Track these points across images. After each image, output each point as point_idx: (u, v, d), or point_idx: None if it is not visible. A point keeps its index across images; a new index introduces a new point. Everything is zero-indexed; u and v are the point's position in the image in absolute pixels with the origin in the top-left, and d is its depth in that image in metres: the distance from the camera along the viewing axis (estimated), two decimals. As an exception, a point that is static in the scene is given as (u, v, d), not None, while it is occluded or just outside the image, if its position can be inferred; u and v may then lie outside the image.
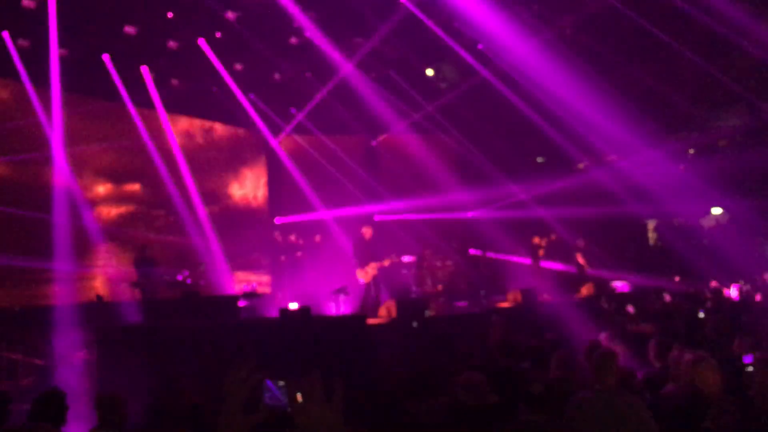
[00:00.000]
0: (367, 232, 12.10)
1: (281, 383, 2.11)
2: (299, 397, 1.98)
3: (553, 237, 14.55)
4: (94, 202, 14.25)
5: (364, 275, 11.79)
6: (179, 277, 12.60)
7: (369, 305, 11.46)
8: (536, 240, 14.51)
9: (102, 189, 14.40)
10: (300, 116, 16.89)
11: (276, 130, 17.25)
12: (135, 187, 14.85)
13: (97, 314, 11.13)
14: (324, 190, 16.97)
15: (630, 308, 9.78)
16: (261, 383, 2.14)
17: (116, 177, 14.56)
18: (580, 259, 15.20)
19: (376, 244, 12.26)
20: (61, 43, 12.75)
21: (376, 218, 16.91)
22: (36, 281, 12.95)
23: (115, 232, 14.40)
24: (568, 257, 15.49)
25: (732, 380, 4.66)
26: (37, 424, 4.69)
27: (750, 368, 4.65)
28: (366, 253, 11.88)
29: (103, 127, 14.29)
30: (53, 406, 5.10)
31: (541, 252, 14.46)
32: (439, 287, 14.67)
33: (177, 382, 6.61)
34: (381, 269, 12.07)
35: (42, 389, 6.89)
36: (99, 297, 12.32)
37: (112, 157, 14.45)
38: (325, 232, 15.96)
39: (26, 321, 11.02)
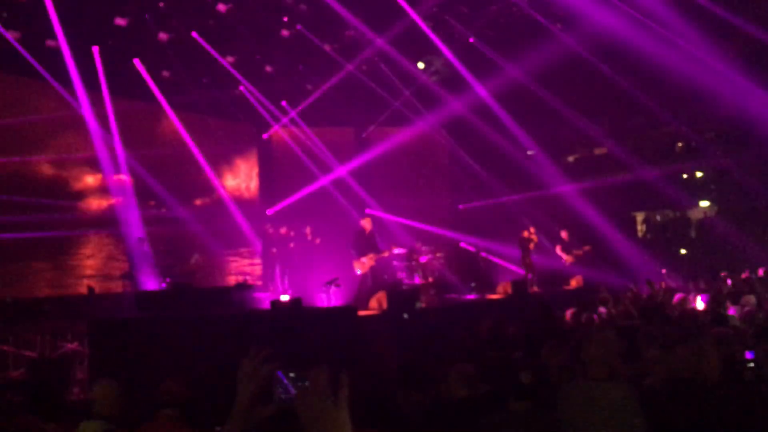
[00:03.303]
0: (367, 224, 12.11)
1: (292, 375, 2.12)
2: (305, 393, 1.98)
3: (533, 229, 14.60)
4: (84, 193, 14.21)
5: (361, 266, 11.82)
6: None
7: (364, 296, 11.49)
8: (526, 233, 14.58)
9: (91, 180, 14.36)
10: (293, 112, 16.89)
11: (267, 123, 17.24)
12: (126, 177, 14.80)
13: (89, 306, 11.15)
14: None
15: None
16: (273, 374, 2.15)
17: (105, 168, 14.50)
18: (561, 252, 15.29)
19: (374, 236, 12.28)
20: (49, 35, 12.69)
21: (367, 211, 16.94)
22: (28, 272, 12.94)
23: (107, 223, 14.37)
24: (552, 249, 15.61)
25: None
26: (20, 417, 4.68)
27: (751, 364, 4.74)
28: (364, 244, 11.89)
29: (95, 119, 14.23)
30: (44, 399, 5.11)
31: (531, 245, 14.53)
32: (430, 279, 14.73)
33: (169, 373, 6.62)
34: (379, 261, 12.12)
35: (33, 382, 6.91)
36: (91, 289, 12.31)
37: (100, 147, 14.39)
38: (316, 224, 15.96)
39: (17, 312, 11.00)
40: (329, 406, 1.92)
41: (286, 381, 2.08)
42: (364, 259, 11.80)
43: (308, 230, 14.64)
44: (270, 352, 2.11)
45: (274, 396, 2.09)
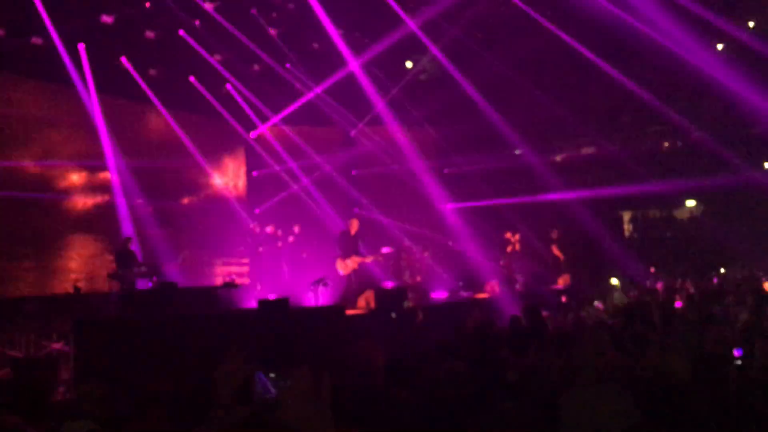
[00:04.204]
0: (353, 225, 12.10)
1: (272, 375, 2.13)
2: (289, 394, 1.97)
3: (517, 236, 14.65)
4: (67, 192, 14.09)
5: (344, 267, 11.80)
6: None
7: (350, 296, 11.50)
8: (508, 235, 14.65)
9: (76, 178, 14.25)
10: (281, 111, 16.87)
11: (255, 121, 17.20)
12: (110, 176, 14.69)
13: (74, 306, 11.06)
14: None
15: None
16: (252, 375, 2.14)
17: (90, 166, 14.41)
18: (556, 251, 15.38)
19: (360, 238, 12.27)
20: (36, 32, 12.60)
21: (355, 211, 16.96)
22: (12, 271, 12.83)
23: (90, 222, 14.28)
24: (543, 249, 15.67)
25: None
26: (4, 417, 4.63)
27: (739, 362, 4.75)
28: (350, 245, 11.88)
29: (79, 117, 14.12)
30: (28, 400, 5.06)
31: (509, 248, 14.58)
32: (418, 278, 14.75)
33: (155, 373, 6.59)
34: (362, 264, 12.11)
35: (18, 382, 6.85)
36: (77, 288, 12.22)
37: (86, 146, 14.29)
38: (304, 223, 15.96)
39: (1, 312, 10.90)
40: (312, 405, 1.92)
41: (266, 381, 2.08)
42: (347, 261, 11.78)
43: (296, 229, 14.61)
44: (248, 353, 2.10)
45: (253, 396, 2.08)
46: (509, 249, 14.49)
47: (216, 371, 2.13)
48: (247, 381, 2.12)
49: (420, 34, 14.91)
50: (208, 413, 2.11)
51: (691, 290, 11.86)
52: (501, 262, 14.58)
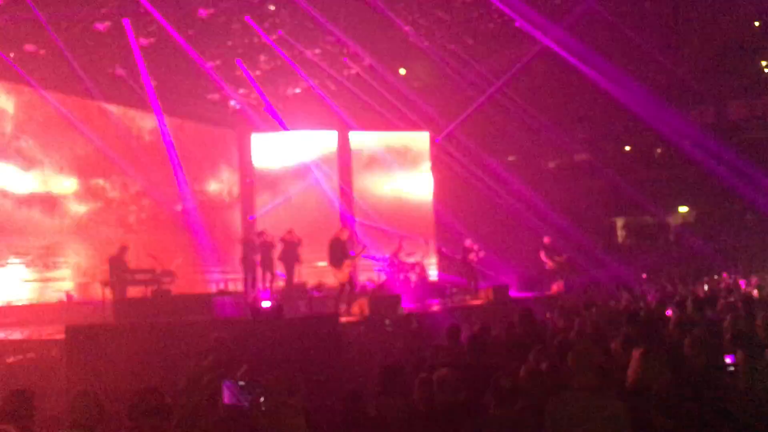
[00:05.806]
0: (343, 233, 12.14)
1: (241, 383, 2.14)
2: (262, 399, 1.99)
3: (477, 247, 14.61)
4: (62, 198, 14.05)
5: (342, 275, 11.82)
6: None
7: (344, 303, 11.49)
8: (468, 243, 14.66)
9: (70, 185, 14.21)
10: (276, 116, 16.87)
11: (250, 127, 17.22)
12: (106, 183, 14.67)
13: (66, 313, 11.03)
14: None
15: None
16: (220, 382, 2.16)
17: (86, 173, 14.38)
18: (543, 257, 15.37)
19: (350, 244, 12.30)
20: (30, 39, 12.59)
21: (351, 217, 16.97)
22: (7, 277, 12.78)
23: (85, 228, 14.24)
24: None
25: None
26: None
27: (732, 368, 4.77)
28: (342, 253, 11.91)
29: (71, 123, 14.09)
30: (20, 406, 5.05)
31: (472, 256, 14.56)
32: (413, 284, 14.74)
33: (147, 381, 6.56)
34: (354, 266, 12.14)
35: (9, 390, 6.81)
36: (69, 295, 12.18)
37: (82, 152, 14.27)
38: (299, 230, 15.94)
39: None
40: (286, 412, 1.94)
41: (236, 388, 2.10)
42: (342, 268, 11.80)
43: (290, 236, 14.58)
44: (213, 359, 2.11)
45: (220, 402, 2.10)
46: (471, 258, 14.45)
47: (181, 379, 2.14)
48: (215, 387, 2.13)
49: (414, 40, 14.97)
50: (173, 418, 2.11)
51: (683, 296, 11.88)
52: (462, 273, 14.62)
